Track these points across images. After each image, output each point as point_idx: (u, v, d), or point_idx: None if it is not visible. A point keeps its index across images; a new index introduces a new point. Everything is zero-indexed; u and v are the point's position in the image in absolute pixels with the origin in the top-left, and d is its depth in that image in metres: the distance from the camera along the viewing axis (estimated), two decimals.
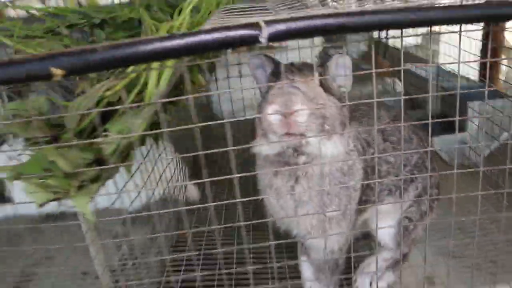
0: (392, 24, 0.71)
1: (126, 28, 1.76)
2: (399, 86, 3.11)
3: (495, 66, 2.71)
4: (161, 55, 0.64)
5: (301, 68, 0.93)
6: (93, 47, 0.63)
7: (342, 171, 0.98)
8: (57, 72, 0.62)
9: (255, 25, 0.66)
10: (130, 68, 0.91)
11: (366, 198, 1.05)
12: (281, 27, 0.66)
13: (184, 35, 0.64)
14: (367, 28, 0.70)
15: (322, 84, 0.93)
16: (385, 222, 1.14)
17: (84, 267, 2.16)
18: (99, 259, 1.60)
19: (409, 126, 1.19)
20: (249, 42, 0.66)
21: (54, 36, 1.50)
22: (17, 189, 1.88)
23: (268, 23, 0.66)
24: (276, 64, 0.98)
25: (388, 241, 1.22)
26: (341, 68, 0.95)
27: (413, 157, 1.17)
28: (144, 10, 1.77)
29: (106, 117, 0.90)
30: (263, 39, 0.66)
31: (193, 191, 1.68)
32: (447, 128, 1.78)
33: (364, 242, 1.43)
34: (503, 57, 2.77)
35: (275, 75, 0.95)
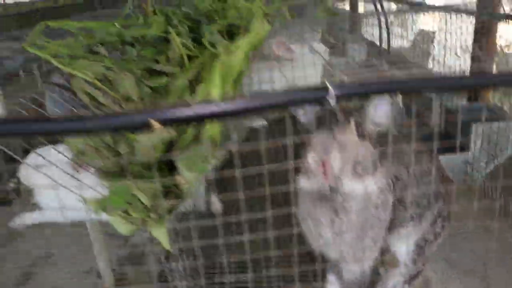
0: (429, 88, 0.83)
1: (154, 45, 1.83)
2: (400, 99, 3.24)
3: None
4: (245, 112, 0.74)
5: (341, 118, 1.04)
6: (186, 102, 0.73)
7: (375, 206, 1.11)
8: (155, 124, 0.72)
9: (325, 88, 0.77)
10: None
11: (392, 225, 1.19)
12: (346, 90, 0.77)
13: (267, 95, 0.75)
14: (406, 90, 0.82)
15: (358, 130, 1.05)
16: (405, 243, 1.28)
17: (86, 266, 2.25)
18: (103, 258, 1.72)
19: (428, 158, 1.31)
20: (319, 102, 0.77)
21: (93, 55, 1.56)
22: (43, 197, 1.95)
23: (335, 86, 0.77)
24: None
25: (406, 259, 1.36)
26: (380, 109, 1.06)
27: (430, 187, 1.30)
28: (171, 29, 1.85)
29: (169, 148, 1.00)
30: (331, 100, 0.76)
31: (216, 204, 1.78)
32: (451, 147, 1.92)
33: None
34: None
35: (319, 119, 1.07)
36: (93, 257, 2.01)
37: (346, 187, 1.06)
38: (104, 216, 1.64)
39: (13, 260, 2.38)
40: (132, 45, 1.80)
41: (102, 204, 0.85)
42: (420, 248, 1.34)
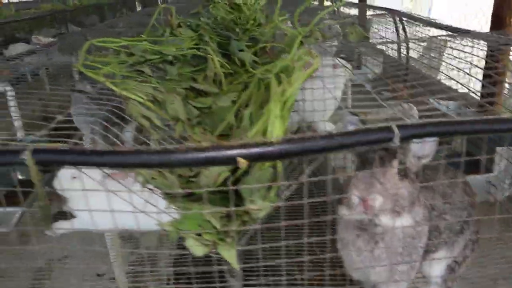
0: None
1: (193, 63, 1.90)
2: (416, 112, 3.29)
3: (497, 90, 2.88)
4: (322, 150, 0.81)
5: (383, 158, 1.12)
6: (269, 140, 0.80)
7: (412, 236, 1.20)
8: (242, 161, 0.79)
9: (390, 129, 0.84)
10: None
11: (427, 249, 1.27)
12: (411, 131, 0.84)
13: (339, 135, 0.82)
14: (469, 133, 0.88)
15: (399, 171, 1.14)
16: (438, 265, 1.36)
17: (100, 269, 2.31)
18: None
19: (461, 187, 1.39)
20: (383, 143, 0.84)
21: (138, 74, 1.63)
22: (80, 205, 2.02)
23: (400, 127, 0.84)
24: None
25: (438, 280, 1.44)
26: (426, 143, 1.13)
27: (464, 214, 1.37)
28: (208, 48, 1.91)
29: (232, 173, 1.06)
30: (396, 141, 0.83)
31: None
32: (473, 168, 2.01)
33: None
34: (508, 79, 2.94)
35: (362, 155, 1.14)
36: (107, 260, 2.07)
37: (385, 222, 1.15)
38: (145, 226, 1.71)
39: (28, 261, 2.43)
40: (171, 63, 1.86)
41: (177, 227, 0.92)
42: (451, 270, 1.42)
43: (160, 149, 0.80)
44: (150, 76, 1.62)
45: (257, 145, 0.79)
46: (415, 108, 3.23)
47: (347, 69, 2.60)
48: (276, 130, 1.03)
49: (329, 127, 2.18)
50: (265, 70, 1.56)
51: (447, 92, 2.81)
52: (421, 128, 0.85)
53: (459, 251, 1.41)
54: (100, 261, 2.23)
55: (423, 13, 9.06)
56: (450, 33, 2.21)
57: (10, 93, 2.62)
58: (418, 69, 3.39)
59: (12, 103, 2.68)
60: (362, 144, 0.84)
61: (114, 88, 1.41)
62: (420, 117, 2.77)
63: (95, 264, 2.34)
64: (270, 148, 0.79)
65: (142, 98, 1.40)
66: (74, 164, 0.83)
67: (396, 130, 0.83)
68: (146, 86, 1.49)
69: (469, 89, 2.09)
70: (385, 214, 1.12)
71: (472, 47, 2.03)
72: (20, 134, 2.70)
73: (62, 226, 2.09)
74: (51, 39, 8.02)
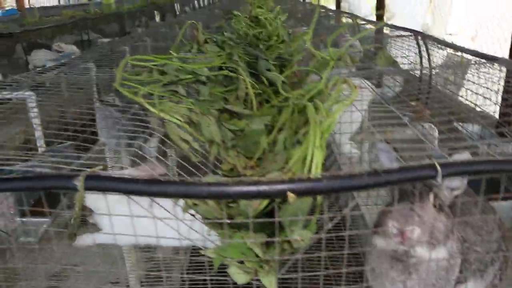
0: None
1: (223, 83, 1.93)
2: (436, 132, 3.29)
3: None
4: (367, 187, 0.84)
5: (421, 191, 1.15)
6: (317, 176, 0.83)
7: (446, 269, 1.21)
8: (291, 195, 0.82)
9: (434, 167, 0.86)
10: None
11: (457, 281, 1.28)
12: (453, 169, 0.87)
13: (384, 172, 0.84)
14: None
15: (435, 204, 1.17)
16: None
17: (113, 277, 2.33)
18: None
19: (492, 217, 1.40)
20: (426, 180, 0.87)
21: (173, 95, 1.66)
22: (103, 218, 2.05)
23: (442, 165, 0.86)
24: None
25: None
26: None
27: (494, 246, 1.38)
28: (242, 70, 1.94)
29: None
30: (439, 179, 0.86)
31: None
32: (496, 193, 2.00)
33: None
34: None
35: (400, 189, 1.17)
36: (120, 268, 2.09)
37: (420, 254, 1.17)
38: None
39: (40, 268, 2.46)
40: (203, 82, 1.89)
41: (221, 254, 0.95)
42: None
43: (212, 181, 0.84)
44: (184, 96, 1.65)
45: (306, 180, 0.82)
46: (436, 128, 3.24)
47: (371, 90, 2.62)
48: (316, 161, 1.07)
49: (353, 148, 2.21)
50: (300, 95, 1.58)
51: (469, 115, 2.81)
52: (463, 167, 0.87)
53: (489, 282, 1.41)
54: (114, 268, 2.25)
55: (442, 26, 8.99)
56: (477, 58, 2.22)
57: (32, 98, 2.61)
58: (440, 90, 3.39)
59: (34, 111, 2.69)
60: (406, 181, 0.87)
61: (152, 109, 1.44)
62: (443, 139, 2.77)
63: (109, 271, 2.36)
64: (318, 184, 0.82)
65: (180, 120, 1.44)
66: (125, 192, 0.87)
67: (439, 168, 0.86)
68: (181, 107, 1.52)
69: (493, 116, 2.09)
70: (421, 246, 1.15)
71: (500, 77, 2.05)
72: (40, 145, 2.72)
73: (88, 238, 2.13)
74: (72, 46, 8.19)
